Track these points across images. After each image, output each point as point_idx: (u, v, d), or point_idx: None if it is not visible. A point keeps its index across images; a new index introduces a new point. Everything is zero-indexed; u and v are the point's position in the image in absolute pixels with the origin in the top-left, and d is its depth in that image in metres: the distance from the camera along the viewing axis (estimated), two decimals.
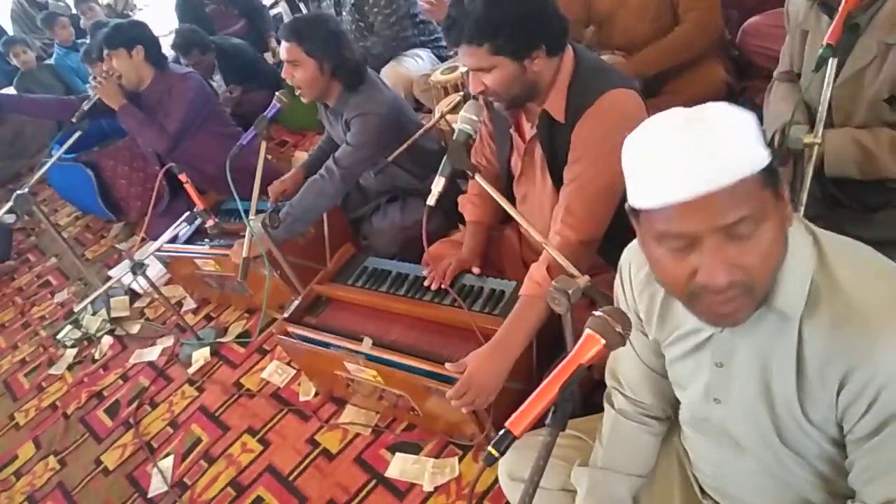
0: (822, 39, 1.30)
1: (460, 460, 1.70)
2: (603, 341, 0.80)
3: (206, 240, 2.41)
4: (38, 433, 2.43)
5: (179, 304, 2.74)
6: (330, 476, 1.81)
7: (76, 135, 2.53)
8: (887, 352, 0.72)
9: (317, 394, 2.06)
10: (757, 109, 2.16)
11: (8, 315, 3.29)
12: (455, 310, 1.63)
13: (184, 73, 2.72)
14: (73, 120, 2.66)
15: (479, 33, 1.29)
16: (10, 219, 2.46)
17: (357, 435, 1.88)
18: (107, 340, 2.71)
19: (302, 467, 1.87)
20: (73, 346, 2.78)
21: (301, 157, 3.18)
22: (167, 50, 3.03)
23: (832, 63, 1.30)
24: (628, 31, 2.23)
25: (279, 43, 2.17)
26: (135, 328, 2.73)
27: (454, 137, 1.40)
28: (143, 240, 2.77)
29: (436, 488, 1.66)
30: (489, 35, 1.29)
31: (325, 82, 2.01)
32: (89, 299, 2.30)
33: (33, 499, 2.17)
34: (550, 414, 0.79)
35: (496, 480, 1.43)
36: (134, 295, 2.90)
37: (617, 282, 1.03)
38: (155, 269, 2.57)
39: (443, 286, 1.68)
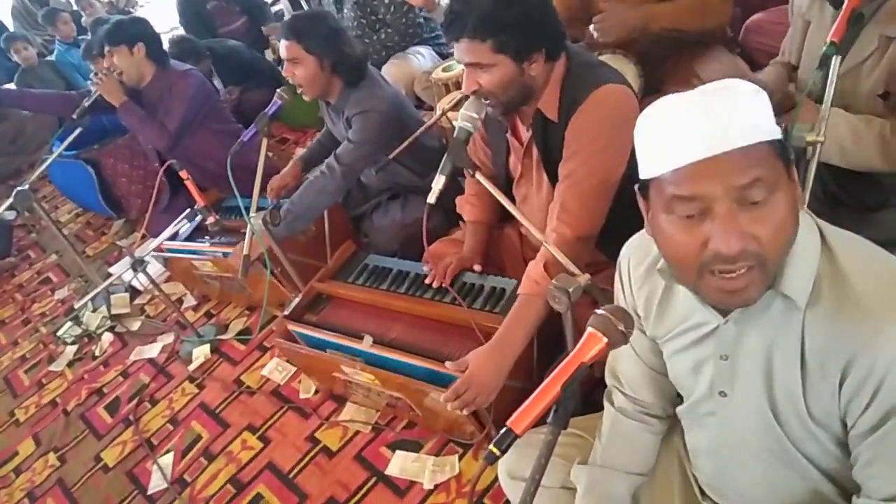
0: (824, 31, 1.30)
1: (460, 458, 1.70)
2: (605, 340, 0.79)
3: (207, 237, 2.41)
4: (38, 430, 2.43)
5: (180, 301, 2.74)
6: (330, 473, 1.81)
7: (77, 131, 2.52)
8: (888, 343, 0.72)
9: (317, 391, 2.06)
10: None
11: (8, 311, 3.29)
12: (455, 308, 1.63)
13: (185, 70, 2.72)
14: (74, 116, 2.65)
15: (484, 28, 1.28)
16: (11, 215, 2.47)
17: (357, 433, 1.88)
18: (107, 337, 2.71)
19: (302, 465, 1.87)
20: (73, 343, 2.78)
21: None
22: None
23: (836, 61, 1.29)
24: None
25: (277, 40, 2.17)
26: (135, 325, 2.73)
27: (455, 135, 1.40)
28: (143, 237, 2.77)
29: (436, 486, 1.66)
30: (494, 31, 1.28)
31: (326, 79, 2.00)
32: (90, 296, 2.30)
33: (33, 495, 2.17)
34: (552, 412, 0.78)
35: (496, 479, 1.42)
36: (134, 292, 2.90)
37: (616, 278, 1.03)
38: (155, 267, 2.57)
39: (443, 284, 1.68)
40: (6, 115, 4.57)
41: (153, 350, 2.54)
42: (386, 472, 1.74)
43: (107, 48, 2.58)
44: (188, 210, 2.27)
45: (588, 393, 1.50)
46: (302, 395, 2.07)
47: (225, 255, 2.26)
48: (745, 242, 0.70)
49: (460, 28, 1.31)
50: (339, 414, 1.96)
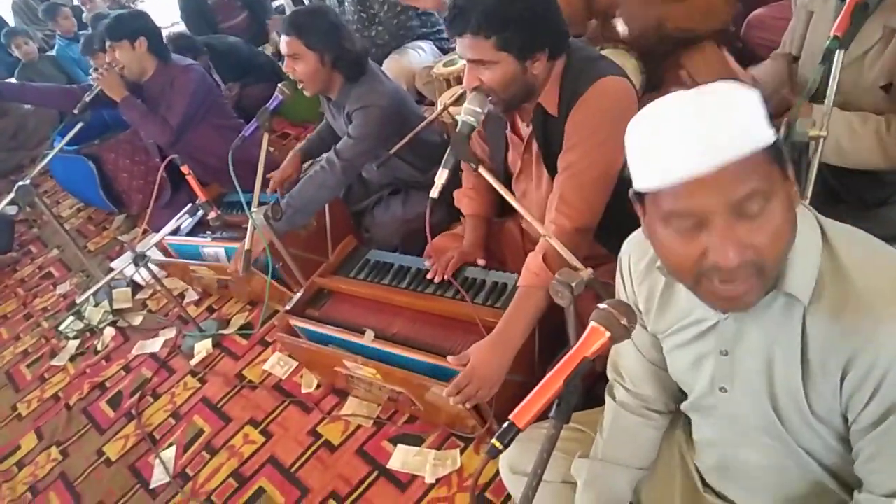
0: (827, 22, 1.29)
1: (462, 452, 1.70)
2: (608, 334, 0.80)
3: (209, 232, 2.41)
4: (41, 424, 2.43)
5: (182, 295, 2.74)
6: (332, 468, 1.81)
7: (78, 126, 2.52)
8: (890, 339, 0.72)
9: (319, 386, 2.07)
10: None
11: (10, 306, 3.29)
12: (457, 302, 1.63)
13: (186, 64, 2.71)
14: (75, 111, 2.65)
15: (488, 25, 1.27)
16: (13, 210, 2.47)
17: (359, 427, 1.89)
18: (109, 332, 2.72)
19: (304, 459, 1.87)
20: (75, 338, 2.78)
21: None
22: None
23: (839, 55, 1.29)
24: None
25: (278, 35, 2.16)
26: (137, 320, 2.73)
27: (458, 129, 1.39)
28: (145, 232, 2.77)
29: (437, 480, 1.66)
30: (498, 28, 1.27)
31: (327, 75, 2.00)
32: (91, 291, 2.31)
33: (35, 489, 2.18)
34: (555, 406, 0.78)
35: (497, 473, 1.43)
36: (136, 286, 2.90)
37: (617, 273, 1.03)
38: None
39: (446, 279, 1.68)
40: (7, 111, 4.56)
41: (155, 345, 2.55)
42: (387, 466, 1.74)
43: (108, 43, 2.57)
44: (189, 205, 2.27)
45: (589, 387, 1.50)
46: (304, 390, 2.08)
47: (227, 251, 2.26)
48: (744, 254, 0.70)
49: (463, 24, 1.30)
50: (341, 408, 1.96)
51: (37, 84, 3.46)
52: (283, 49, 1.97)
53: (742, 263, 0.70)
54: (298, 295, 1.86)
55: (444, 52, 3.19)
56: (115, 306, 2.81)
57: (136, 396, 2.33)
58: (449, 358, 1.44)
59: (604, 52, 1.71)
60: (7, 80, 3.65)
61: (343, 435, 1.88)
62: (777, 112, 1.47)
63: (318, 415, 1.98)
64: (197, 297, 2.72)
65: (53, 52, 4.92)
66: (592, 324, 0.81)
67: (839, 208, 1.51)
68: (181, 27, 4.22)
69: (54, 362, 2.70)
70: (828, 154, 1.38)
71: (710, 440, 1.02)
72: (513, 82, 1.34)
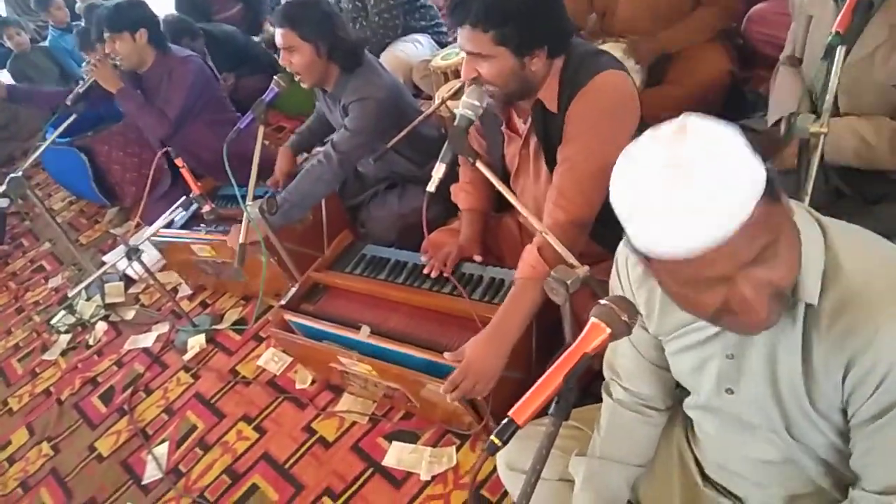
0: (826, 25, 1.28)
1: (458, 449, 1.69)
2: (608, 330, 0.78)
3: (203, 225, 2.39)
4: (32, 419, 2.41)
5: (175, 290, 2.72)
6: (326, 464, 1.80)
7: (71, 118, 2.49)
8: (891, 339, 0.72)
9: (313, 382, 2.05)
10: (761, 100, 2.15)
11: (1, 300, 3.26)
12: (454, 298, 1.62)
13: (184, 56, 2.68)
14: (68, 103, 2.62)
15: (487, 18, 1.26)
16: (4, 203, 2.43)
17: (354, 423, 1.87)
18: (101, 326, 2.69)
19: (298, 455, 1.86)
20: (67, 332, 2.75)
21: None
22: None
23: (840, 51, 1.27)
24: (632, 20, 2.21)
25: (273, 26, 2.14)
26: (129, 314, 2.71)
27: (455, 123, 1.38)
28: (138, 225, 2.74)
29: (433, 477, 1.65)
30: (497, 22, 1.26)
31: (323, 66, 1.98)
32: (83, 285, 2.28)
33: (26, 485, 2.16)
34: (554, 403, 0.78)
35: (494, 469, 1.42)
36: (129, 281, 2.88)
37: (613, 274, 1.01)
38: (150, 255, 2.54)
39: (444, 274, 1.67)
40: None
41: (148, 339, 2.53)
42: (383, 463, 1.73)
43: (107, 34, 2.52)
44: (183, 198, 2.25)
45: (586, 385, 1.49)
46: (298, 386, 2.06)
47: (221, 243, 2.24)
48: (765, 292, 0.70)
49: (463, 14, 1.29)
50: (336, 404, 1.95)
51: (46, 89, 3.38)
52: (278, 41, 1.95)
53: (765, 301, 0.71)
54: (293, 290, 1.85)
55: (442, 45, 3.16)
56: (108, 300, 2.79)
57: (129, 392, 2.31)
58: (446, 354, 1.43)
59: (603, 47, 1.70)
60: (18, 84, 3.52)
61: (338, 431, 1.87)
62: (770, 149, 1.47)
63: (312, 411, 1.96)
64: (190, 292, 2.70)
65: (46, 43, 4.87)
66: (593, 320, 0.80)
67: (840, 204, 1.51)
68: None
69: (46, 356, 2.68)
70: (851, 161, 1.39)
71: (713, 437, 1.02)
72: (510, 77, 1.33)
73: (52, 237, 3.57)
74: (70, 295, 2.56)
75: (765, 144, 1.46)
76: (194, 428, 2.08)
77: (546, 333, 1.56)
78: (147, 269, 2.26)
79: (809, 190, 1.35)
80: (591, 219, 1.38)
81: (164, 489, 1.91)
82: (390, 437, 1.79)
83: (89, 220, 3.69)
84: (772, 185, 0.68)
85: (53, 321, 2.83)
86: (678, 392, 1.08)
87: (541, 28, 1.30)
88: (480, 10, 1.26)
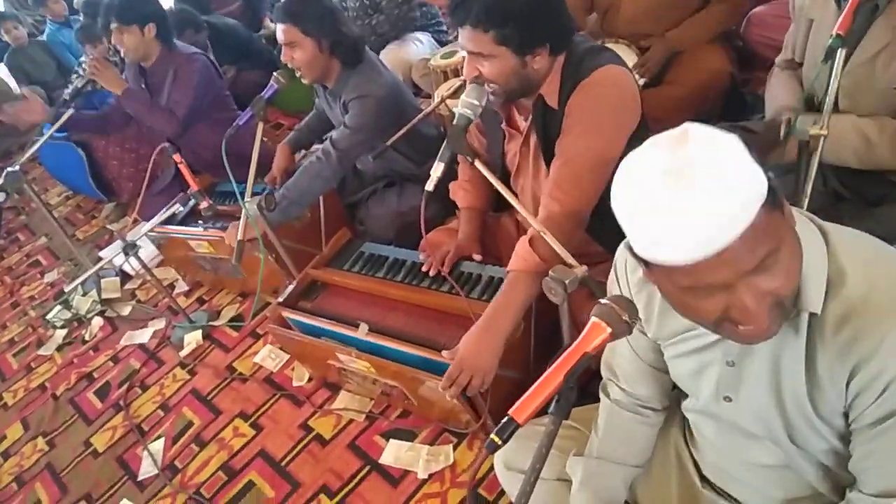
0: (827, 28, 1.28)
1: (455, 448, 1.69)
2: (609, 330, 0.78)
3: (200, 222, 2.38)
4: (27, 414, 2.40)
5: (171, 286, 2.71)
6: (323, 462, 1.80)
7: (68, 113, 2.47)
8: (895, 347, 0.72)
9: (310, 379, 2.05)
10: (760, 102, 2.15)
11: None
12: (452, 297, 1.61)
13: (190, 53, 2.65)
14: (66, 98, 2.60)
15: (488, 19, 1.26)
16: (1, 197, 2.42)
17: (351, 421, 1.87)
18: (97, 322, 2.69)
19: (295, 453, 1.86)
20: (62, 327, 2.75)
21: None
22: None
23: (840, 54, 1.28)
24: (636, 19, 2.21)
25: (273, 22, 2.13)
26: (126, 310, 2.70)
27: (454, 122, 1.38)
28: (135, 220, 2.73)
29: (430, 476, 1.65)
30: (497, 23, 1.26)
31: (325, 61, 1.98)
32: (79, 280, 2.28)
33: (21, 480, 2.15)
34: (554, 402, 0.77)
35: (491, 469, 1.42)
36: (125, 276, 2.88)
37: (612, 277, 1.01)
38: (147, 251, 2.53)
39: (442, 273, 1.66)
40: None
41: (144, 335, 2.52)
42: (380, 461, 1.73)
43: (115, 25, 2.48)
44: (181, 194, 2.24)
45: (584, 384, 1.49)
46: (295, 383, 2.06)
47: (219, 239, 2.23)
48: (765, 302, 0.70)
49: (464, 14, 1.28)
50: (333, 402, 1.94)
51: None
52: (280, 37, 1.94)
53: (766, 310, 0.71)
54: (291, 287, 1.84)
55: (442, 44, 3.16)
56: (104, 296, 2.78)
57: (125, 387, 2.30)
58: (443, 352, 1.43)
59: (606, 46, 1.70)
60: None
61: (335, 429, 1.87)
62: (769, 147, 1.47)
63: (309, 408, 1.96)
64: (187, 288, 2.69)
65: (43, 37, 4.85)
66: (594, 319, 0.80)
67: (839, 206, 1.51)
68: None
69: (41, 351, 2.67)
70: (849, 161, 1.38)
71: (711, 440, 1.02)
72: (512, 76, 1.33)
73: (48, 232, 3.56)
74: (66, 290, 2.56)
75: (763, 143, 1.46)
76: (190, 424, 2.07)
77: (544, 334, 1.56)
78: (144, 265, 2.26)
79: (808, 192, 1.35)
80: (587, 212, 1.37)
81: (160, 485, 1.91)
82: (387, 435, 1.78)
83: (86, 216, 3.68)
84: (773, 193, 0.68)
85: (49, 316, 2.82)
86: (676, 393, 1.08)
87: (542, 27, 1.29)
88: (481, 10, 1.26)
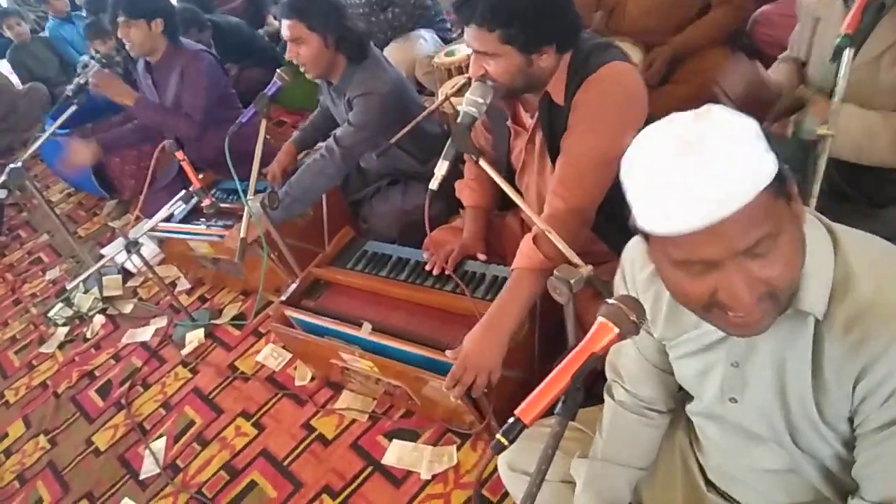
0: (834, 27, 1.27)
1: (458, 449, 1.68)
2: (616, 330, 0.78)
3: (203, 219, 2.37)
4: (29, 412, 2.40)
5: (173, 284, 2.71)
6: (325, 462, 1.79)
7: (70, 110, 2.47)
8: None
9: (313, 378, 2.04)
10: None
11: None
12: (456, 296, 1.60)
13: (195, 50, 2.64)
14: (68, 94, 2.59)
15: (493, 18, 1.25)
16: (3, 194, 2.41)
17: (353, 421, 1.86)
18: (99, 319, 2.68)
19: (297, 452, 1.85)
20: (64, 325, 2.74)
21: None
22: None
23: (848, 53, 1.27)
24: (642, 18, 2.20)
25: (276, 19, 2.12)
26: (127, 308, 2.70)
27: (459, 120, 1.37)
28: (137, 218, 2.72)
29: (433, 476, 1.64)
30: (503, 22, 1.25)
31: (331, 57, 1.97)
32: (81, 277, 2.28)
33: (23, 478, 2.15)
34: (560, 403, 0.77)
35: (494, 470, 1.41)
36: (127, 274, 2.87)
37: (618, 277, 1.00)
38: (149, 249, 2.53)
39: (446, 272, 1.66)
40: None
41: (146, 333, 2.51)
42: (382, 462, 1.72)
43: (122, 18, 2.47)
44: (183, 192, 2.23)
45: (589, 386, 1.48)
46: (297, 382, 2.05)
47: (220, 238, 2.22)
48: (756, 289, 0.70)
49: (469, 13, 1.28)
50: (336, 402, 1.94)
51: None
52: (285, 34, 1.93)
53: (755, 299, 0.70)
54: (294, 285, 1.83)
55: (446, 41, 3.15)
56: (106, 293, 2.78)
57: (126, 386, 2.30)
58: (447, 352, 1.42)
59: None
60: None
61: (337, 429, 1.86)
62: (790, 111, 1.45)
63: (311, 408, 1.95)
64: (189, 286, 2.69)
65: (46, 33, 4.85)
66: (601, 319, 0.79)
67: (845, 207, 1.49)
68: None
69: (43, 349, 2.67)
70: (844, 152, 1.36)
71: (716, 443, 1.01)
72: (517, 74, 1.32)
73: (50, 229, 3.55)
74: (68, 287, 2.55)
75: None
76: (192, 423, 2.07)
77: (548, 333, 1.55)
78: (146, 263, 2.25)
79: (816, 192, 1.34)
80: (592, 210, 1.37)
81: (162, 484, 1.91)
82: (390, 436, 1.78)
83: (88, 213, 3.68)
84: (783, 181, 0.68)
85: (51, 314, 2.82)
86: (681, 396, 1.07)
87: (548, 26, 1.28)
88: (486, 9, 1.25)
